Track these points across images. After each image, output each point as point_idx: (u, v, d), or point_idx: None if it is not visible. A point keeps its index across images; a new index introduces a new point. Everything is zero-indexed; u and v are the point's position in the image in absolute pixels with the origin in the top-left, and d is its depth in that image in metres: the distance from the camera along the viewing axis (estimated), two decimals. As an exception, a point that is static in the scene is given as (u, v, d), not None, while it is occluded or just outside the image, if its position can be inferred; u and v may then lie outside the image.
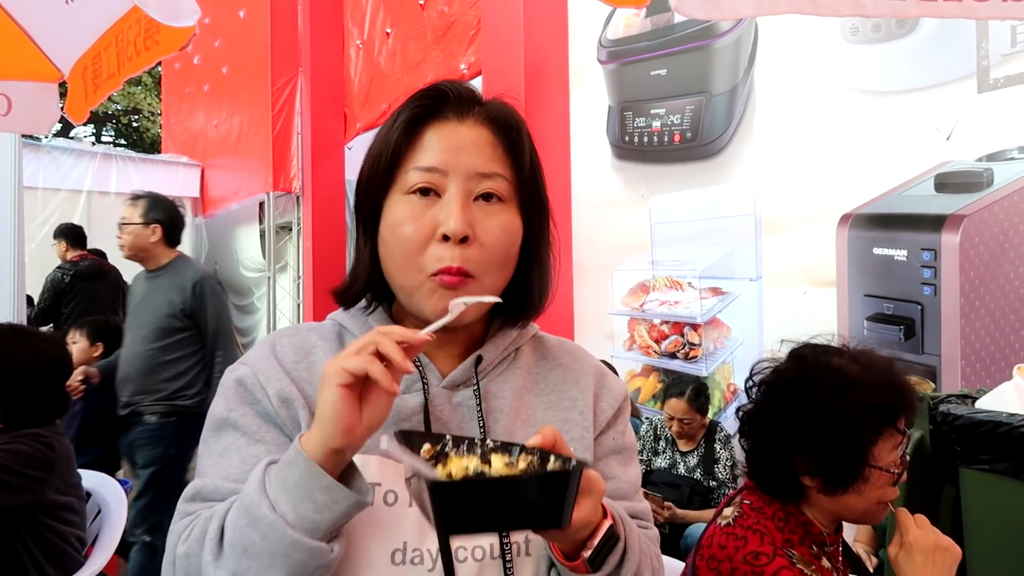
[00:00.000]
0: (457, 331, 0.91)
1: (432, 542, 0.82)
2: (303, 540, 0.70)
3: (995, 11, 1.78)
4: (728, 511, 1.34)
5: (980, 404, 1.95)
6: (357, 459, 0.78)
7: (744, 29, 3.57)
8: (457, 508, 0.63)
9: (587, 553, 0.75)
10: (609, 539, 0.77)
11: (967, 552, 1.92)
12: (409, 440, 0.72)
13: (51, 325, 5.56)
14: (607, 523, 0.77)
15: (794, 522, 1.30)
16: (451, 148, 0.85)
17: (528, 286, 0.93)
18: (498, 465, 0.72)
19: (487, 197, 0.86)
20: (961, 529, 1.95)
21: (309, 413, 0.84)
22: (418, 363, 0.89)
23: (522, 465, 0.72)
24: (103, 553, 2.10)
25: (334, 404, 0.70)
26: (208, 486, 0.83)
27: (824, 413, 1.23)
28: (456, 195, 0.84)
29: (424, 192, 0.84)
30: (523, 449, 0.73)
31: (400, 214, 0.85)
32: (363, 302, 0.94)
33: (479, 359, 0.91)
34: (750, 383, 1.39)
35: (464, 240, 0.82)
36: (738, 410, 1.41)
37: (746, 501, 1.34)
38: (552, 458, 0.71)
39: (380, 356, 0.70)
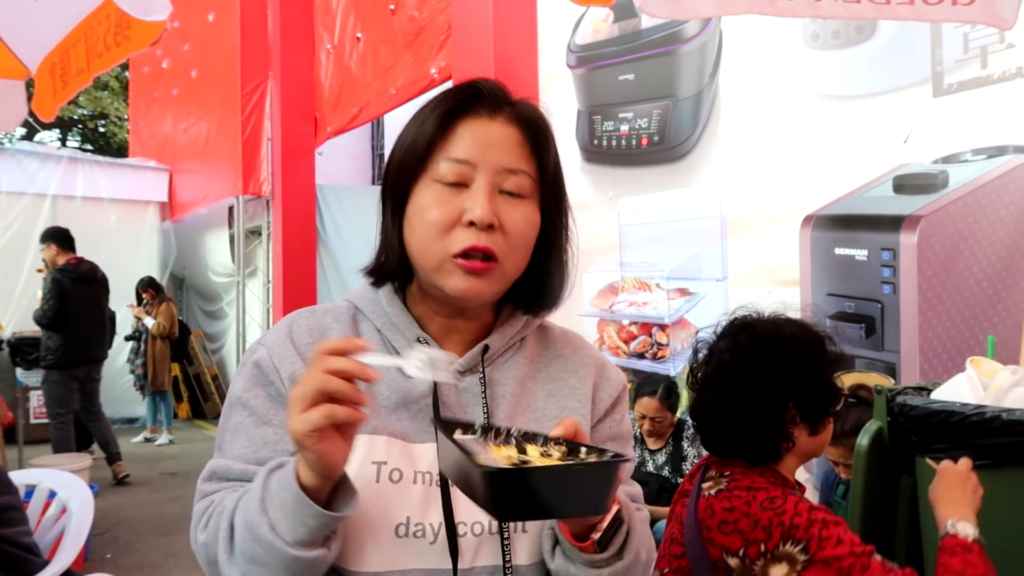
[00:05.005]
0: (468, 319, 0.97)
1: (434, 516, 0.87)
2: (302, 555, 0.76)
3: (946, 14, 1.86)
4: (708, 485, 1.40)
5: (935, 395, 2.00)
6: (364, 440, 0.86)
7: (709, 35, 3.64)
8: (511, 495, 0.67)
9: (597, 535, 0.80)
10: (616, 522, 0.81)
11: (923, 539, 1.97)
12: (444, 426, 0.78)
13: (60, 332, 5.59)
14: (615, 507, 0.81)
15: (779, 479, 1.39)
16: (481, 143, 0.90)
17: (546, 278, 0.97)
18: (534, 455, 0.76)
19: (511, 193, 0.90)
20: (918, 517, 2.00)
21: None
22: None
23: (556, 455, 0.77)
24: (68, 552, 2.08)
25: (318, 459, 0.73)
26: (222, 467, 0.90)
27: (799, 351, 1.38)
28: (483, 187, 0.88)
29: (453, 184, 0.89)
30: (547, 438, 0.79)
31: (428, 199, 0.89)
32: (387, 287, 0.98)
33: (486, 348, 0.95)
34: (703, 343, 1.49)
35: (489, 227, 0.87)
36: (692, 369, 1.49)
37: (726, 472, 1.40)
38: (584, 449, 0.77)
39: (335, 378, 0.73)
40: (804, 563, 1.23)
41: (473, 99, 0.92)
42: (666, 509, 3.16)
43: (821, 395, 1.39)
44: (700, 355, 1.49)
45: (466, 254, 0.86)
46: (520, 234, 0.90)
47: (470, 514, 0.87)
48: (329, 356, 0.73)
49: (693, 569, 1.36)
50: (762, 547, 1.27)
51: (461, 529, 0.87)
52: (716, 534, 1.32)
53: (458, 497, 0.87)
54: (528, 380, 0.98)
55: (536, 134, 0.93)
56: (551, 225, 0.95)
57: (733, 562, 1.30)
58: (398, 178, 0.93)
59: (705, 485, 1.40)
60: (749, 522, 1.29)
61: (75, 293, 5.63)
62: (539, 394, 0.97)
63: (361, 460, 0.87)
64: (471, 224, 0.86)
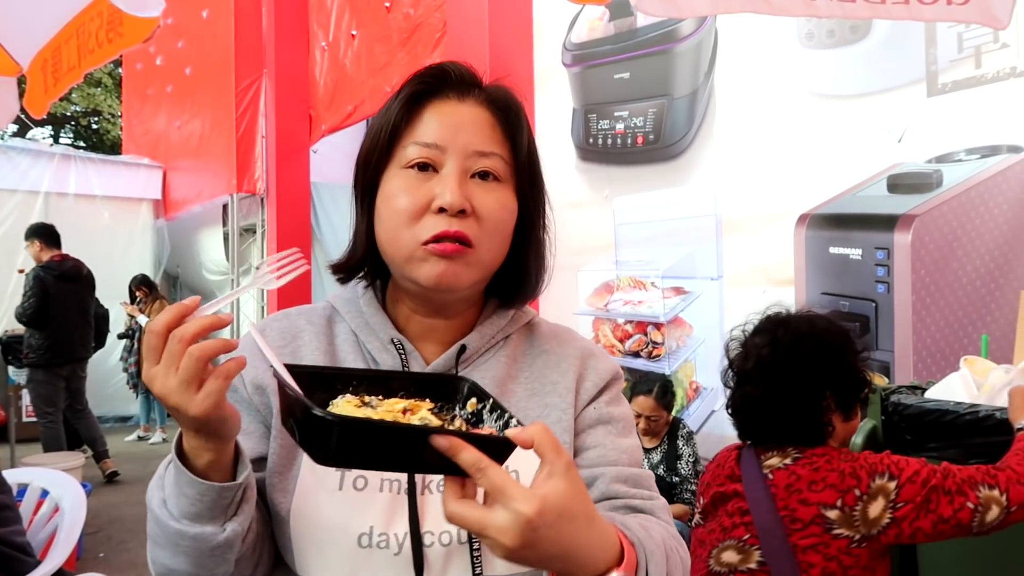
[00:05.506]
0: (449, 317, 0.92)
1: (399, 526, 0.82)
2: (186, 529, 0.74)
3: (940, 13, 1.86)
4: (774, 461, 1.49)
5: (929, 394, 2.00)
6: None
7: (704, 34, 3.64)
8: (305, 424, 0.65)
9: None
10: None
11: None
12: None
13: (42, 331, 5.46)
14: (616, 573, 0.66)
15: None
16: (450, 125, 0.85)
17: (524, 268, 0.93)
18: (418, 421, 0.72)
19: (484, 176, 0.86)
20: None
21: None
22: (401, 351, 0.89)
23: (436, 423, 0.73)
24: (61, 551, 2.07)
25: (228, 421, 0.72)
26: None
27: (832, 343, 1.50)
28: (453, 171, 0.84)
29: (422, 167, 0.85)
30: (503, 420, 0.71)
31: (396, 186, 0.85)
32: (358, 285, 0.95)
33: (462, 348, 0.90)
34: (736, 342, 1.59)
35: (461, 213, 0.82)
36: (730, 365, 1.59)
37: (787, 449, 1.50)
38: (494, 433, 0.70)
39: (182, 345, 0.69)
40: (896, 489, 1.38)
41: (441, 82, 0.88)
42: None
43: (853, 382, 1.52)
44: (733, 353, 1.59)
45: (437, 240, 0.82)
46: (495, 219, 0.85)
47: (438, 524, 0.82)
48: (178, 329, 0.68)
49: (762, 538, 1.46)
50: (856, 491, 1.39)
51: (428, 539, 0.82)
52: (809, 494, 1.42)
53: (426, 506, 0.83)
54: (509, 380, 0.92)
55: (508, 116, 0.89)
56: (526, 212, 0.91)
57: (833, 514, 1.40)
58: (366, 168, 0.89)
59: (771, 463, 1.49)
60: (836, 475, 1.40)
61: (57, 291, 5.50)
62: (521, 394, 0.92)
63: (324, 468, 0.81)
64: (442, 210, 0.82)
